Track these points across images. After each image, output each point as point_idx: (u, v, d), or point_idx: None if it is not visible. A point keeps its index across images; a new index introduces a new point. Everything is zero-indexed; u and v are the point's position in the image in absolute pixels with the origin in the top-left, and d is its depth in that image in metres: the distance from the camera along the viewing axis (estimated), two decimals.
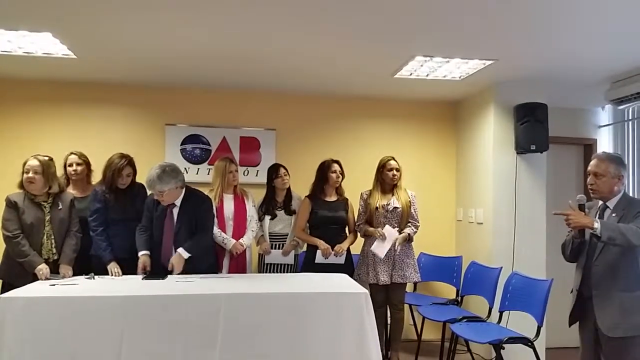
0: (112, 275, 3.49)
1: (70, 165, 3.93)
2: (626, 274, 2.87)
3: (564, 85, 4.60)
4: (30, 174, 3.41)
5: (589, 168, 3.01)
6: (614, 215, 2.94)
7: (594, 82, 4.48)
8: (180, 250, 3.52)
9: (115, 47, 3.79)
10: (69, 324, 2.79)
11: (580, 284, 3.03)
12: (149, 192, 3.70)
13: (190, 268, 3.53)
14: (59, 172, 3.75)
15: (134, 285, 3.23)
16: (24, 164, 3.45)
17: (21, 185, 3.44)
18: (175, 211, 3.61)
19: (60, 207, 3.54)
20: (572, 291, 3.14)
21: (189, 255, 3.51)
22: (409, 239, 4.22)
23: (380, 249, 4.14)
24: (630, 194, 4.90)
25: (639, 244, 2.76)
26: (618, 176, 2.95)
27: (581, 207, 2.94)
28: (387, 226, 4.17)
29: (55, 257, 3.47)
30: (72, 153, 3.98)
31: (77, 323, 2.79)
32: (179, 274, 3.48)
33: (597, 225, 2.76)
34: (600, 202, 3.06)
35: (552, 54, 3.84)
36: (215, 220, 4.00)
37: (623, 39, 3.49)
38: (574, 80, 4.50)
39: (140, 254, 3.55)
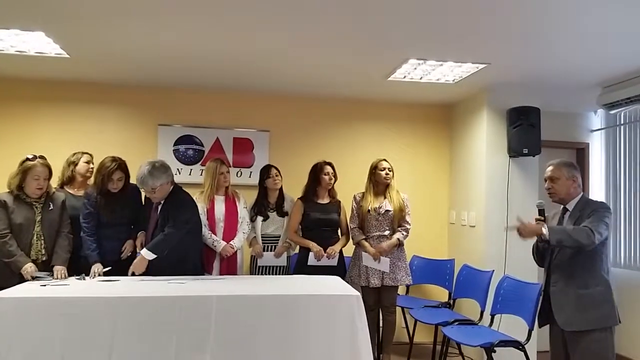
0: (92, 274, 3.44)
1: (88, 162, 4.00)
2: (581, 271, 3.01)
3: (556, 89, 4.62)
4: (41, 181, 3.43)
5: (545, 175, 3.20)
6: (576, 214, 3.08)
7: (586, 86, 4.51)
8: (144, 251, 3.44)
9: (108, 47, 3.77)
10: (59, 325, 2.76)
11: (544, 283, 3.18)
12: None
13: (166, 268, 3.45)
14: (57, 169, 3.80)
15: (125, 286, 3.21)
16: (28, 168, 3.40)
17: (19, 187, 3.40)
18: (160, 208, 3.63)
19: (52, 207, 3.52)
20: (539, 293, 3.32)
21: (154, 256, 3.42)
22: (398, 244, 4.21)
23: (370, 261, 4.15)
24: (621, 198, 4.98)
25: (587, 243, 2.88)
26: (572, 178, 3.13)
27: (541, 212, 3.14)
28: (386, 259, 4.14)
29: (44, 258, 3.44)
30: (84, 152, 4.04)
31: (67, 324, 2.77)
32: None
33: (545, 231, 2.92)
34: (562, 207, 3.20)
35: (544, 59, 3.86)
36: (206, 221, 3.99)
37: (614, 45, 3.52)
38: (566, 85, 4.53)
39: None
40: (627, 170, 4.97)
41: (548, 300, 3.14)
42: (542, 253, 3.24)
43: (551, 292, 3.08)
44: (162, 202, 3.60)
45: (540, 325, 3.28)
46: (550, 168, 3.19)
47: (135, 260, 3.46)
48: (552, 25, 3.21)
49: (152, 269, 3.47)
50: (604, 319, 2.98)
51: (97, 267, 3.50)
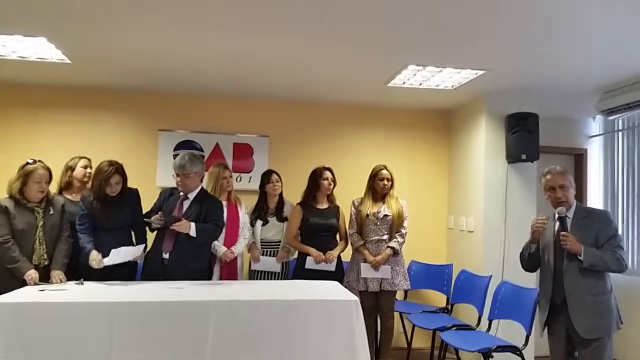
0: (93, 262, 3.42)
1: (85, 167, 4.01)
2: (595, 278, 3.04)
3: (554, 95, 4.64)
4: (43, 185, 3.44)
5: (552, 183, 3.19)
6: (578, 223, 3.11)
7: (584, 93, 4.53)
8: (192, 224, 3.55)
9: (109, 53, 3.80)
10: (58, 330, 2.77)
11: (552, 291, 3.16)
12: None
13: (179, 265, 3.55)
14: (57, 175, 3.81)
15: (124, 291, 3.22)
16: (29, 172, 3.41)
17: (20, 191, 3.41)
18: (186, 203, 3.67)
19: (52, 212, 3.53)
20: (537, 302, 3.33)
21: (195, 234, 3.54)
22: (394, 253, 4.21)
23: (370, 272, 4.15)
24: (619, 204, 5.00)
25: (618, 271, 2.99)
26: (573, 185, 3.23)
27: (562, 220, 3.11)
28: (386, 267, 4.16)
29: (47, 263, 3.44)
30: (81, 157, 4.04)
31: (65, 329, 2.78)
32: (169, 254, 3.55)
33: (582, 251, 2.98)
34: (553, 213, 3.21)
35: (543, 65, 3.88)
36: None
37: (613, 51, 3.54)
38: (564, 91, 4.55)
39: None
40: (625, 176, 4.99)
41: (554, 307, 3.15)
42: (531, 259, 3.29)
43: (568, 301, 3.05)
44: (192, 198, 3.67)
45: (542, 334, 3.28)
46: (558, 176, 3.19)
47: (183, 221, 3.52)
48: (551, 32, 3.23)
49: (175, 273, 3.52)
50: (615, 324, 3.05)
51: (95, 255, 3.44)
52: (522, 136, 4.53)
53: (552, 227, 3.21)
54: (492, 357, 3.64)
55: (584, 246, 3.00)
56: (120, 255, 3.47)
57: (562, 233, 3.05)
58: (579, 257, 2.99)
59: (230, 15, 3.05)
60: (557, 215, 3.13)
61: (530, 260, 3.32)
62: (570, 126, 5.37)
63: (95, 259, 3.44)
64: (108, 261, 3.41)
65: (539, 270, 3.36)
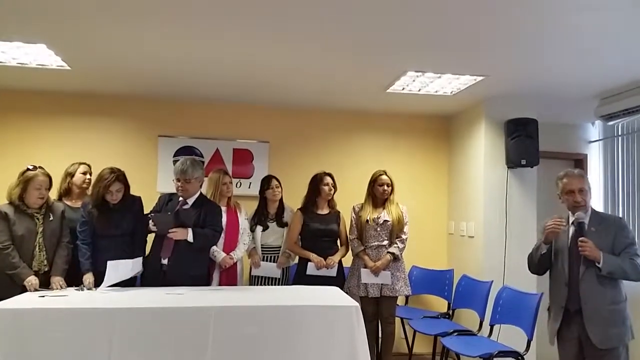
0: (83, 285, 3.42)
1: (85, 173, 4.00)
2: (612, 286, 2.97)
3: (554, 101, 4.65)
4: (43, 191, 3.44)
5: (571, 186, 3.09)
6: (592, 229, 3.04)
7: (583, 98, 4.54)
8: (190, 230, 3.53)
9: (109, 59, 3.81)
10: (58, 336, 2.76)
11: (566, 299, 3.07)
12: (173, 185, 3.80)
13: (178, 271, 3.54)
14: (57, 181, 3.82)
15: (123, 297, 3.21)
16: (29, 178, 3.41)
17: (20, 198, 3.40)
18: (186, 208, 3.65)
19: (52, 218, 3.53)
20: (548, 309, 3.22)
21: (192, 240, 3.53)
22: (394, 258, 4.20)
23: (370, 278, 4.14)
24: (619, 208, 5.00)
25: (635, 279, 2.92)
26: (591, 190, 3.14)
27: (581, 225, 3.01)
28: (386, 273, 4.15)
29: (47, 269, 3.44)
30: (81, 163, 4.03)
31: (65, 335, 2.77)
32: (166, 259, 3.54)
33: (601, 259, 2.90)
34: (567, 216, 3.15)
35: (541, 71, 3.90)
36: None
37: (612, 57, 3.55)
38: (563, 97, 4.56)
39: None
40: (625, 181, 5.00)
41: (567, 315, 3.07)
42: (541, 262, 3.21)
43: (583, 310, 2.97)
44: (191, 204, 3.66)
45: (553, 343, 3.19)
46: (577, 180, 3.10)
47: (180, 228, 3.50)
48: (550, 38, 3.24)
49: (174, 279, 3.51)
50: (629, 333, 2.98)
51: (89, 277, 3.44)
52: (522, 141, 4.53)
53: (566, 231, 3.12)
54: None
55: (602, 253, 2.92)
56: (119, 272, 3.45)
57: (580, 239, 2.95)
58: (597, 264, 2.91)
59: (229, 21, 3.06)
60: (574, 220, 3.04)
61: (540, 262, 3.21)
62: (569, 131, 5.38)
63: (86, 283, 3.43)
64: (105, 284, 3.39)
65: (542, 274, 3.31)
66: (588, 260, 2.96)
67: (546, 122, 4.79)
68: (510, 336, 3.94)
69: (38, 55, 3.72)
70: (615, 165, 5.12)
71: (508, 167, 4.69)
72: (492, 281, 4.26)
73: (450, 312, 4.70)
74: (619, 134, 5.09)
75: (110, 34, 3.30)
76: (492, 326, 4.04)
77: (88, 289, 3.40)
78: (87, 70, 4.11)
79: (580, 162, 5.39)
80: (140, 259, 3.62)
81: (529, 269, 3.34)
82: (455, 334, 4.08)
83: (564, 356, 3.15)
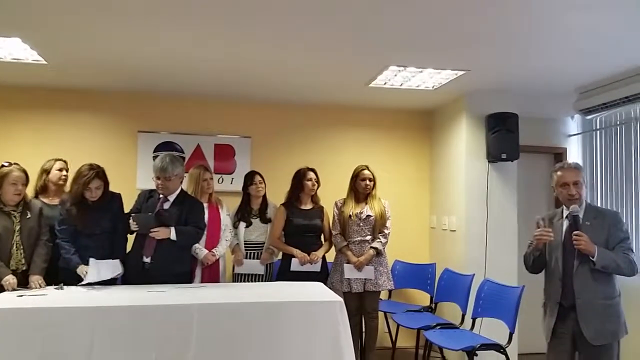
0: (83, 275, 3.36)
1: (61, 170, 3.92)
2: (606, 281, 2.94)
3: (534, 95, 4.71)
4: (20, 187, 3.36)
5: (565, 179, 3.03)
6: (587, 223, 2.98)
7: (562, 93, 4.60)
8: (172, 228, 3.51)
9: (86, 53, 3.74)
10: (37, 336, 2.71)
11: (560, 295, 3.02)
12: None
13: (160, 269, 3.51)
14: (33, 178, 3.72)
15: (105, 295, 3.16)
16: (5, 174, 3.33)
17: None
18: (167, 205, 3.62)
19: (29, 215, 3.46)
20: (544, 304, 3.15)
21: (175, 238, 3.51)
22: (377, 253, 4.20)
23: (354, 273, 4.14)
24: (599, 202, 5.07)
25: (630, 275, 2.90)
26: (586, 183, 3.10)
27: (576, 219, 2.96)
28: (370, 267, 4.15)
29: (25, 268, 3.38)
30: (57, 159, 3.95)
31: (45, 335, 2.72)
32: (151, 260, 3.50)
33: (595, 253, 2.86)
34: (560, 210, 3.13)
35: (522, 66, 3.93)
36: None
37: (589, 52, 3.59)
38: (543, 91, 4.61)
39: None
40: (604, 174, 5.07)
41: (564, 310, 3.01)
42: (538, 262, 3.13)
43: (577, 305, 2.92)
44: (172, 200, 3.63)
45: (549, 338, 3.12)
46: (572, 172, 3.05)
47: (162, 227, 3.49)
48: (530, 34, 3.27)
49: (156, 277, 3.48)
50: (623, 329, 2.95)
51: (85, 269, 3.38)
52: (503, 136, 4.57)
53: (560, 225, 3.08)
54: (476, 355, 3.66)
55: (597, 247, 2.87)
56: (101, 272, 3.40)
57: (575, 232, 2.90)
58: (591, 258, 2.87)
59: (210, 17, 3.02)
60: (569, 214, 3.00)
61: (535, 264, 3.15)
62: (549, 125, 5.43)
63: (84, 273, 3.38)
64: (87, 280, 3.34)
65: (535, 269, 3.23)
66: (582, 255, 2.92)
67: (526, 116, 4.83)
68: (492, 329, 3.99)
69: (13, 49, 3.64)
70: (594, 158, 5.19)
71: (489, 161, 4.73)
72: (474, 274, 4.30)
73: (433, 305, 4.73)
74: (598, 127, 5.16)
75: (87, 28, 3.23)
76: (474, 319, 4.08)
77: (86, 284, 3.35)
78: (63, 65, 4.02)
79: (559, 155, 5.45)
80: (119, 262, 3.52)
81: (526, 269, 3.26)
82: (438, 327, 4.12)
83: (557, 352, 3.07)
